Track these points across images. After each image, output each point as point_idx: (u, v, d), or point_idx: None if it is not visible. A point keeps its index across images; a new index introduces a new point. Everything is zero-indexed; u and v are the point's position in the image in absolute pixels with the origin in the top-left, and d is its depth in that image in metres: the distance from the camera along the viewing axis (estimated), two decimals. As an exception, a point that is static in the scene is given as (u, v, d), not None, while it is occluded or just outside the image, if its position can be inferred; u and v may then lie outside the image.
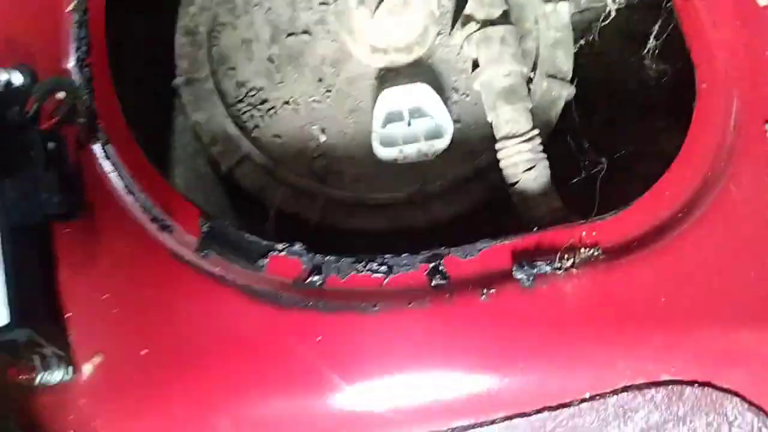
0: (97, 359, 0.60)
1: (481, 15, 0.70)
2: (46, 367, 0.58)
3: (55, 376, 0.58)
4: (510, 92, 0.69)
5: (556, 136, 0.76)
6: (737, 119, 0.64)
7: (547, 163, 0.68)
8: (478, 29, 0.69)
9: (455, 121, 0.76)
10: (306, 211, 0.74)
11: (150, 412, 0.59)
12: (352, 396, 0.57)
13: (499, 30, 0.69)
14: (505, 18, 0.71)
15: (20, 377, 0.59)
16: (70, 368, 0.58)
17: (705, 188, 0.63)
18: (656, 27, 0.71)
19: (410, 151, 0.72)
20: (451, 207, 0.74)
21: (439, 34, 0.78)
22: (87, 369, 0.59)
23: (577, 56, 0.79)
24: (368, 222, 0.73)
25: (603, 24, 0.76)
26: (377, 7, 0.68)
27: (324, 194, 0.74)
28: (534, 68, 0.77)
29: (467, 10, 0.71)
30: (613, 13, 0.74)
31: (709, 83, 0.66)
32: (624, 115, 0.79)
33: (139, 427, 0.59)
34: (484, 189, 0.73)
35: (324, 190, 0.74)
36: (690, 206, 0.62)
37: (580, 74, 0.78)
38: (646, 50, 0.72)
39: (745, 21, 0.66)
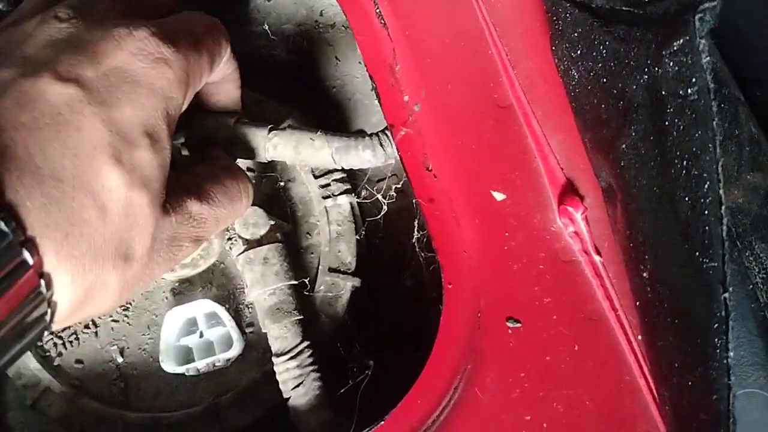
0: None
1: (245, 235, 0.74)
2: None
3: None
4: (276, 310, 0.72)
5: (346, 330, 0.79)
6: (482, 319, 0.67)
7: (316, 375, 0.71)
8: (244, 251, 0.73)
9: (248, 325, 0.79)
10: (106, 438, 0.76)
11: None
12: None
13: (261, 251, 0.72)
14: (272, 234, 0.74)
15: None
16: None
17: (453, 395, 0.66)
18: (417, 219, 0.75)
19: (201, 364, 0.75)
20: (245, 415, 0.76)
21: (229, 239, 0.82)
22: None
23: (367, 246, 0.82)
24: (167, 442, 0.75)
25: (379, 217, 0.80)
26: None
27: (122, 418, 0.76)
28: (318, 264, 0.80)
29: (236, 230, 0.75)
30: (385, 208, 0.78)
31: (455, 283, 0.70)
32: (405, 303, 0.83)
33: None
34: (276, 392, 0.75)
35: (122, 414, 0.76)
36: (439, 416, 0.65)
37: (367, 264, 0.81)
38: (414, 239, 0.76)
39: (485, 218, 0.70)
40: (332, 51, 1.03)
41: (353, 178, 0.88)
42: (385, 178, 0.90)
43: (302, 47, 1.03)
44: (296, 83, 1.01)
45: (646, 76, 0.56)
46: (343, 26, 1.01)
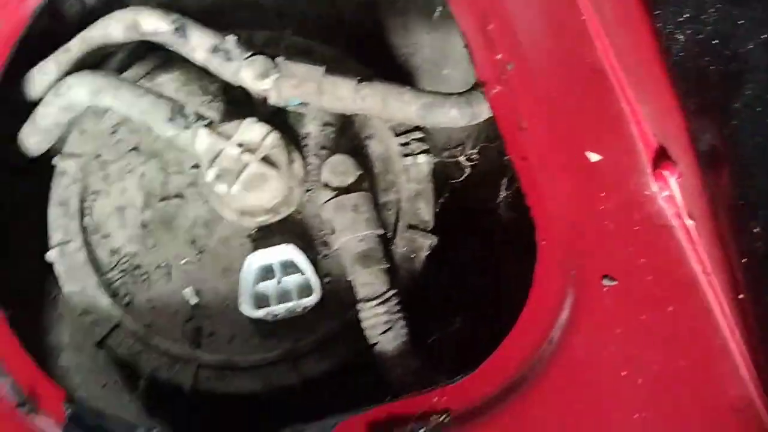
0: None
1: (335, 183, 0.73)
2: None
3: None
4: (365, 256, 0.71)
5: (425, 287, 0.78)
6: (576, 274, 0.68)
7: (404, 323, 0.70)
8: (333, 197, 0.73)
9: (325, 275, 0.79)
10: (179, 377, 0.74)
11: None
12: None
13: (352, 198, 0.72)
14: (359, 183, 0.74)
15: None
16: None
17: (548, 344, 0.66)
18: (505, 180, 0.75)
19: (279, 309, 0.74)
20: (322, 364, 0.75)
21: (307, 190, 0.81)
22: None
23: (444, 204, 0.82)
24: (242, 385, 0.74)
25: (461, 179, 0.80)
26: (233, 184, 0.71)
27: (196, 359, 0.75)
28: (397, 220, 0.80)
29: (323, 178, 0.74)
30: (467, 170, 0.79)
31: (549, 240, 0.70)
32: (485, 260, 0.83)
33: None
34: (354, 344, 0.75)
35: (196, 355, 0.75)
36: (535, 363, 0.65)
37: (445, 222, 0.81)
38: (499, 200, 0.76)
39: (579, 178, 0.70)
40: (401, 20, 1.03)
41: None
42: (459, 145, 0.91)
43: (370, 15, 1.03)
44: (364, 50, 1.01)
45: (765, 36, 0.56)
46: (413, -6, 1.02)
